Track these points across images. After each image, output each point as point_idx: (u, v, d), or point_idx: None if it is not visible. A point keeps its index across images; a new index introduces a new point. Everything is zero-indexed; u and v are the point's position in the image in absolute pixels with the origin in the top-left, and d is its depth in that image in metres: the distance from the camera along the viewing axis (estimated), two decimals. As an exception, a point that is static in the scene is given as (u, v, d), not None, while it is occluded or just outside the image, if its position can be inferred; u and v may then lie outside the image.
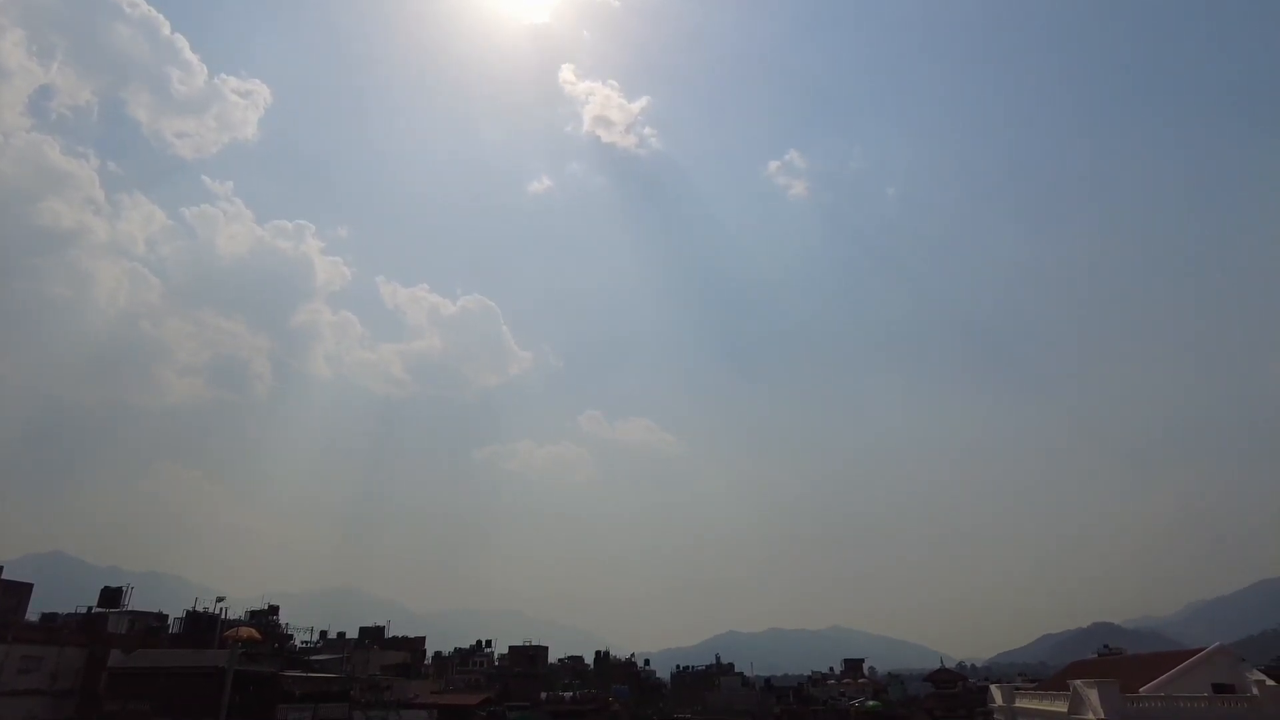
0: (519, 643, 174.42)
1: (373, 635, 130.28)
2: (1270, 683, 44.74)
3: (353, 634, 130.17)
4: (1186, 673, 47.67)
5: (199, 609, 64.48)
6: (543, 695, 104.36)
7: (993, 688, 76.50)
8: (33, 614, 57.73)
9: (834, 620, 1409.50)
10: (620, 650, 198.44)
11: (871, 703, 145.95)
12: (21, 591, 54.69)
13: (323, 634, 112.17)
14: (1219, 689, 45.96)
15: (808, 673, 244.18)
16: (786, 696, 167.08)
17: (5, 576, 53.98)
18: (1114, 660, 78.93)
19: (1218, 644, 50.13)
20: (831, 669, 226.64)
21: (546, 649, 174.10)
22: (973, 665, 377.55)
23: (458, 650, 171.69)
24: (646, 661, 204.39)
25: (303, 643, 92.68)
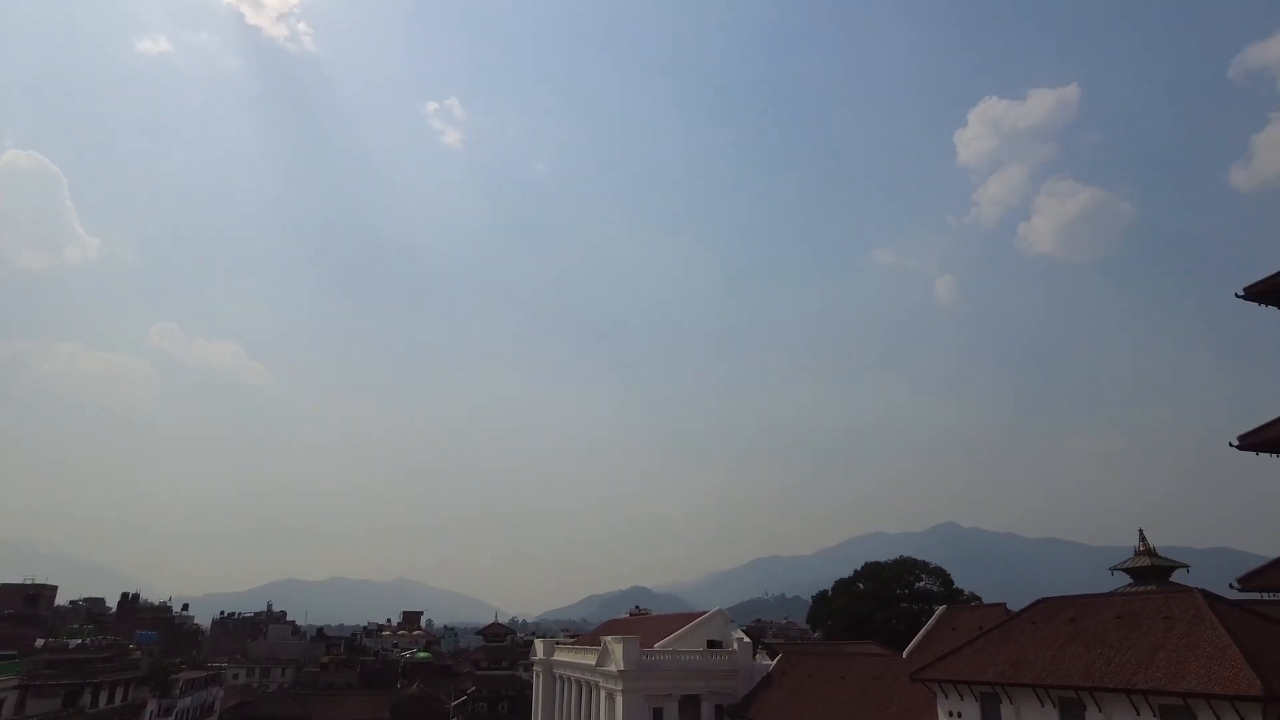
0: (18, 580, 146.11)
1: None
2: (746, 640, 56.13)
3: None
4: (691, 631, 57.62)
5: None
6: (39, 643, 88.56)
7: (536, 641, 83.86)
8: None
9: (400, 572, 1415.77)
10: (157, 594, 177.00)
11: (422, 653, 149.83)
12: None
13: None
14: (712, 644, 56.22)
15: (365, 623, 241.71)
16: (338, 646, 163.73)
17: None
18: (641, 619, 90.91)
19: (717, 608, 61.21)
20: (389, 620, 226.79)
21: (55, 588, 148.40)
22: (524, 620, 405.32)
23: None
24: (185, 607, 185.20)
25: None
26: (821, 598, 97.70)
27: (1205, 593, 29.75)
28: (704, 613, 61.83)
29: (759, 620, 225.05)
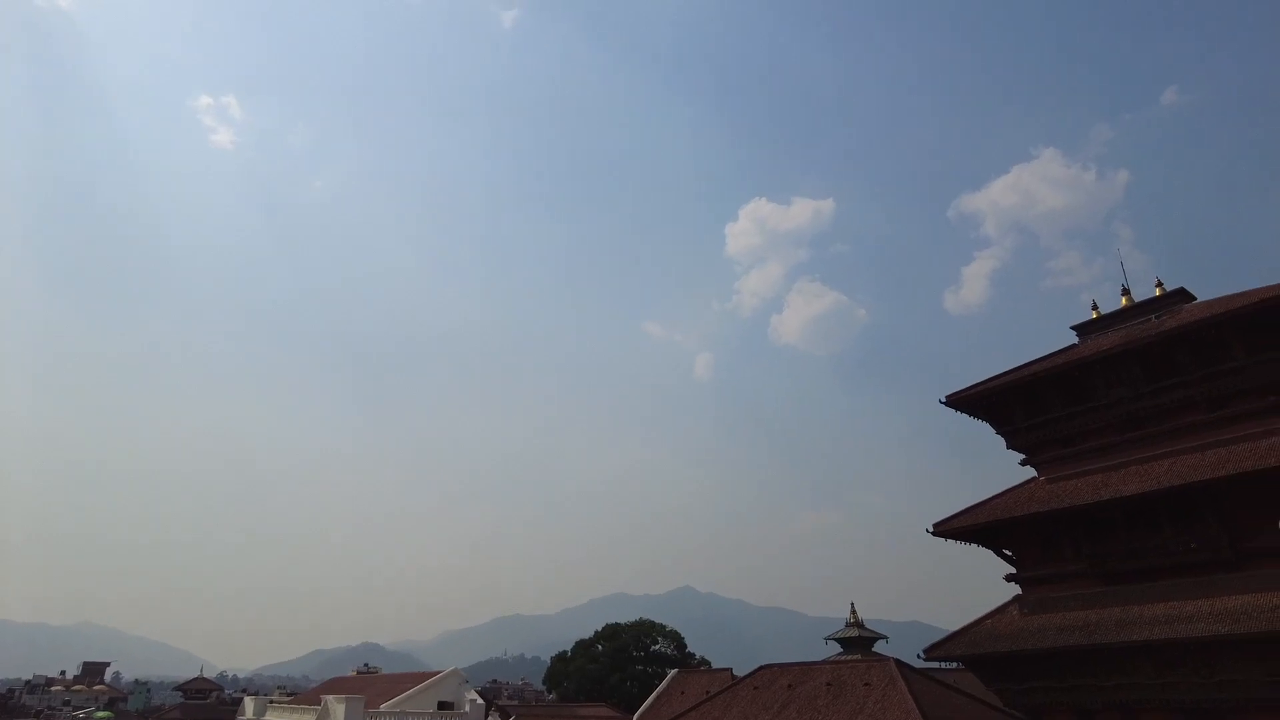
0: None
1: None
2: (480, 701, 54.49)
3: None
4: (423, 691, 54.89)
5: None
6: None
7: (246, 699, 76.07)
8: None
9: (85, 615, 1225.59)
10: None
11: (102, 712, 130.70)
12: None
13: None
14: (443, 706, 53.84)
15: (31, 676, 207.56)
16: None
17: None
18: (369, 678, 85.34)
19: (452, 668, 59.01)
20: (64, 672, 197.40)
21: None
22: (235, 676, 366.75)
23: None
24: None
25: None
26: (561, 658, 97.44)
27: (899, 662, 33.77)
28: (438, 672, 59.42)
29: (495, 681, 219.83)
